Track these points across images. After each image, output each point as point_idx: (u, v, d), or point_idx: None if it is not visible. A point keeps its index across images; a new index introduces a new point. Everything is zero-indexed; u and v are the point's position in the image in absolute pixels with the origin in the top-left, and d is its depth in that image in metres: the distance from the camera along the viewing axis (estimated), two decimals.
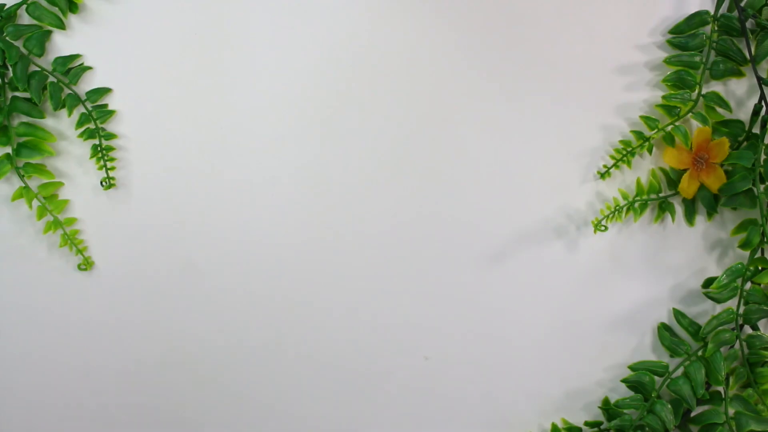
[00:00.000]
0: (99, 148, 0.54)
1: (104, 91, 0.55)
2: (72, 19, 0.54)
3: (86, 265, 0.55)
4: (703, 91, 0.54)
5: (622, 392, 0.57)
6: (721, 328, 0.55)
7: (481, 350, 0.57)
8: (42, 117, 0.55)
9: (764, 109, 0.54)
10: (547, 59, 0.55)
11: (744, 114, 0.55)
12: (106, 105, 0.55)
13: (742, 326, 0.55)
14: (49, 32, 0.54)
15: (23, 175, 0.54)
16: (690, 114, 0.54)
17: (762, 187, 0.53)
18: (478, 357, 0.57)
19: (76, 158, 0.55)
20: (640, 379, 0.56)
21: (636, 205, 0.55)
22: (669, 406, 0.56)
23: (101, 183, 0.55)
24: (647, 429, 0.56)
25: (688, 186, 0.54)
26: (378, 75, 0.55)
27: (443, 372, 0.57)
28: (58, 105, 0.54)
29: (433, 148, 0.55)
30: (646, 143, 0.54)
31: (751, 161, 0.53)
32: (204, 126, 0.55)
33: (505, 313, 0.56)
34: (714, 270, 0.57)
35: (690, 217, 0.56)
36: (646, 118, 0.55)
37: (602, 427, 0.57)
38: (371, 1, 0.55)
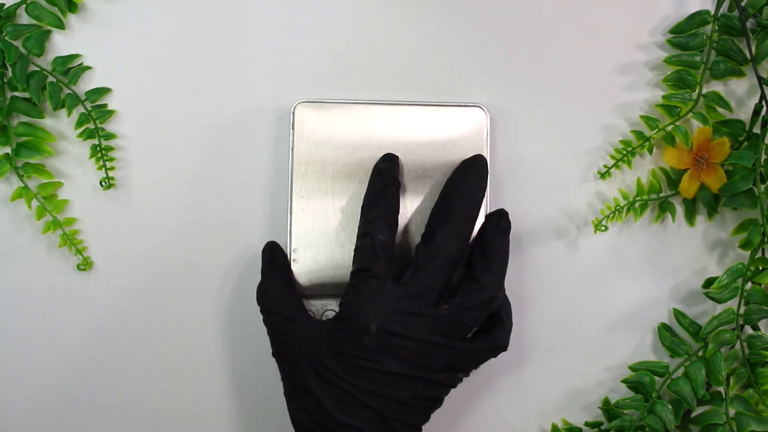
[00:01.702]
0: (98, 148, 0.54)
1: (104, 91, 0.55)
2: (71, 19, 0.54)
3: (85, 265, 0.55)
4: (704, 91, 0.54)
5: (623, 392, 0.57)
6: (721, 328, 0.55)
7: None
8: (41, 117, 0.55)
9: (765, 108, 0.54)
10: (547, 59, 0.55)
11: (744, 114, 0.55)
12: (105, 105, 0.55)
13: (742, 326, 0.55)
14: (49, 32, 0.54)
15: (22, 175, 0.54)
16: (690, 114, 0.54)
17: (763, 187, 0.53)
18: None
19: (75, 158, 0.55)
20: (640, 380, 0.56)
21: (636, 205, 0.55)
22: (669, 406, 0.55)
23: (101, 183, 0.55)
24: (648, 429, 0.55)
25: (688, 186, 0.54)
26: (379, 75, 0.55)
27: None
28: (58, 105, 0.54)
29: None
30: (647, 143, 0.54)
31: (751, 161, 0.53)
32: (204, 126, 0.55)
33: None
34: (714, 270, 0.57)
35: (690, 217, 0.56)
36: (646, 118, 0.55)
37: (602, 427, 0.57)
38: (373, 0, 0.55)
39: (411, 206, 0.53)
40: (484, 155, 0.53)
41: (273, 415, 0.57)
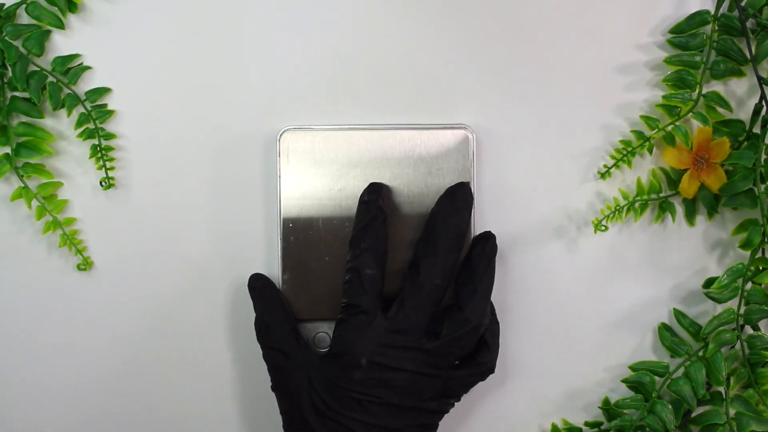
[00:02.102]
0: (98, 148, 0.54)
1: (104, 91, 0.55)
2: (71, 19, 0.54)
3: (85, 265, 0.55)
4: (704, 91, 0.54)
5: (623, 392, 0.57)
6: (721, 328, 0.55)
7: None
8: (41, 117, 0.55)
9: (765, 108, 0.54)
10: (546, 59, 0.55)
11: (744, 114, 0.55)
12: (105, 105, 0.55)
13: (743, 326, 0.55)
14: (49, 32, 0.54)
15: (22, 175, 0.54)
16: (690, 114, 0.54)
17: (763, 186, 0.53)
18: None
19: (75, 158, 0.55)
20: (640, 380, 0.56)
21: (636, 205, 0.55)
22: (669, 406, 0.55)
23: (100, 183, 0.55)
24: (648, 429, 0.55)
25: (688, 186, 0.54)
26: (378, 75, 0.55)
27: None
28: (58, 105, 0.54)
29: None
30: (647, 143, 0.54)
31: (751, 161, 0.53)
32: (204, 126, 0.55)
33: (505, 313, 0.56)
34: (715, 270, 0.57)
35: (690, 217, 0.56)
36: (646, 118, 0.55)
37: (602, 427, 0.57)
38: (372, 1, 0.55)
39: (398, 229, 0.53)
40: (471, 176, 0.53)
41: (272, 413, 0.57)
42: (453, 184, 0.52)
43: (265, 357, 0.52)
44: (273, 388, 0.52)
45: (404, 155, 0.53)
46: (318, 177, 0.53)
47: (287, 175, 0.53)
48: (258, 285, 0.53)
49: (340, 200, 0.53)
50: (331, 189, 0.53)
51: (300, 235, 0.53)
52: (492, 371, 0.52)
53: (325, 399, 0.49)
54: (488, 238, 0.52)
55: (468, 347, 0.50)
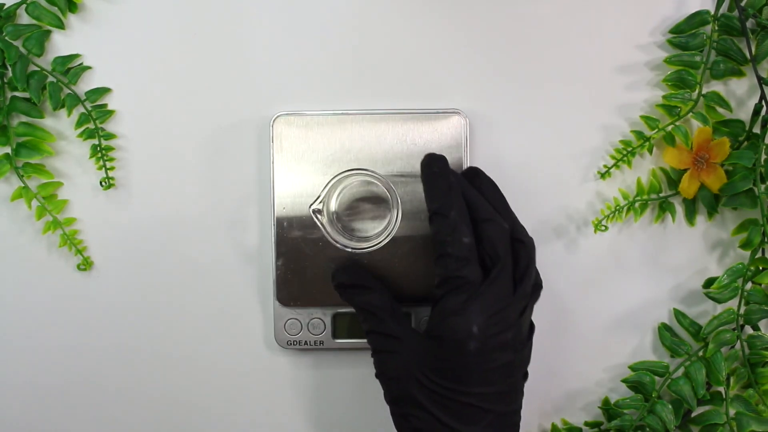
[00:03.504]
0: (98, 148, 0.54)
1: (104, 91, 0.55)
2: (71, 19, 0.54)
3: (86, 265, 0.55)
4: (704, 91, 0.54)
5: (623, 392, 0.57)
6: (721, 328, 0.55)
7: None
8: (41, 117, 0.55)
9: (765, 108, 0.54)
10: (546, 59, 0.55)
11: (744, 114, 0.55)
12: (105, 105, 0.55)
13: (743, 326, 0.55)
14: (49, 32, 0.54)
15: (22, 175, 0.54)
16: (690, 114, 0.54)
17: (763, 186, 0.53)
18: None
19: (75, 158, 0.55)
20: (640, 380, 0.56)
21: (636, 205, 0.55)
22: (669, 406, 0.55)
23: (100, 183, 0.55)
24: (648, 429, 0.55)
25: (688, 186, 0.54)
26: (378, 74, 0.55)
27: None
28: (58, 105, 0.54)
29: None
30: (647, 143, 0.54)
31: (751, 161, 0.53)
32: (204, 126, 0.55)
33: None
34: (715, 270, 0.57)
35: (690, 217, 0.56)
36: (646, 118, 0.55)
37: (602, 427, 0.57)
38: (371, 1, 0.55)
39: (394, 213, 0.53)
40: (464, 161, 0.53)
41: (271, 412, 0.57)
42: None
43: (369, 342, 0.50)
44: (377, 375, 0.50)
45: (397, 140, 0.53)
46: (311, 162, 0.53)
47: (280, 161, 0.53)
48: (348, 275, 0.52)
49: (333, 186, 0.53)
50: (325, 174, 0.53)
51: (293, 221, 0.53)
52: (541, 286, 0.51)
53: (435, 379, 0.47)
54: (477, 174, 0.51)
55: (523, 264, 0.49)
